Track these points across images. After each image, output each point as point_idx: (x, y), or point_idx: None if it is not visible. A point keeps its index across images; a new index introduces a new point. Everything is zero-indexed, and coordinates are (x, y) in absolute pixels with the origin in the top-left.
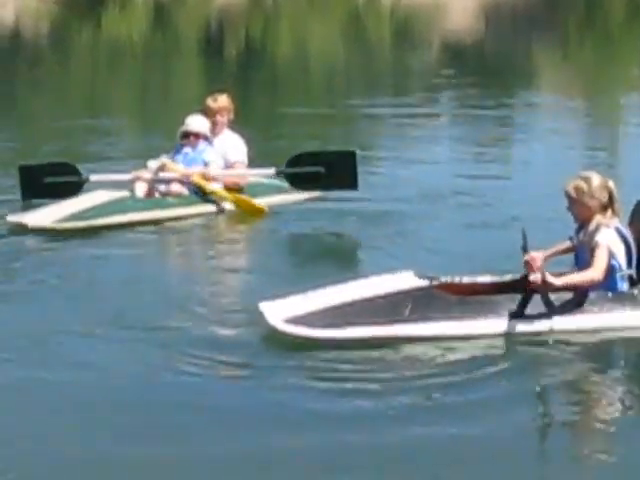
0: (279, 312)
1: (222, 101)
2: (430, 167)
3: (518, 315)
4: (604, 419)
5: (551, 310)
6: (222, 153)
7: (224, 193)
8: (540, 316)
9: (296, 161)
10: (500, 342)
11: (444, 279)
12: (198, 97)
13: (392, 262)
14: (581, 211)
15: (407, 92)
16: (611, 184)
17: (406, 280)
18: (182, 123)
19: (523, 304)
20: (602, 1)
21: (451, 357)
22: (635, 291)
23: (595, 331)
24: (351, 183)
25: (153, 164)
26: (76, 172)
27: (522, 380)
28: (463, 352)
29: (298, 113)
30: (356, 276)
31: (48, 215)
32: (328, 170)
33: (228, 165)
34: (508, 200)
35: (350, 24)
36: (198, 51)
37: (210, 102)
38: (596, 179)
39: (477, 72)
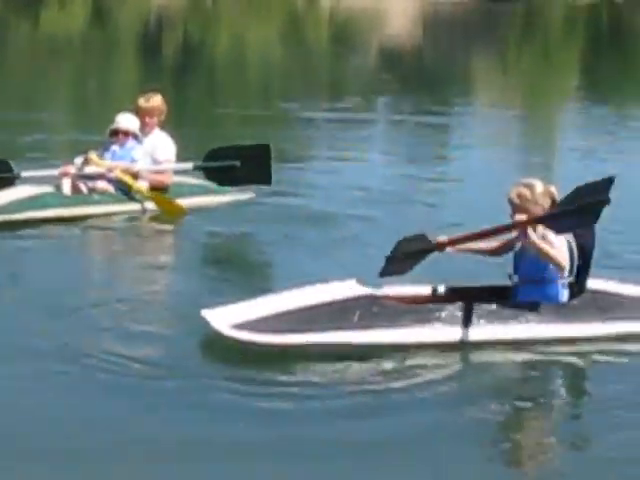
0: (223, 318)
1: (154, 101)
2: (365, 170)
3: (459, 323)
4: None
5: (491, 319)
6: (150, 152)
7: (145, 191)
8: (479, 325)
9: (213, 155)
10: (442, 350)
11: (388, 290)
12: (133, 95)
13: (329, 267)
14: (519, 217)
15: (344, 95)
16: (553, 190)
17: (352, 288)
18: (112, 121)
19: (464, 312)
20: (540, 13)
21: (394, 364)
22: (575, 302)
23: (534, 341)
24: (265, 178)
25: (80, 160)
26: (8, 168)
27: (460, 386)
28: (410, 359)
29: (234, 114)
30: (290, 282)
31: None
32: (243, 164)
33: (155, 164)
34: (443, 204)
35: (289, 27)
36: (136, 49)
37: (142, 102)
38: (539, 186)
39: (414, 77)
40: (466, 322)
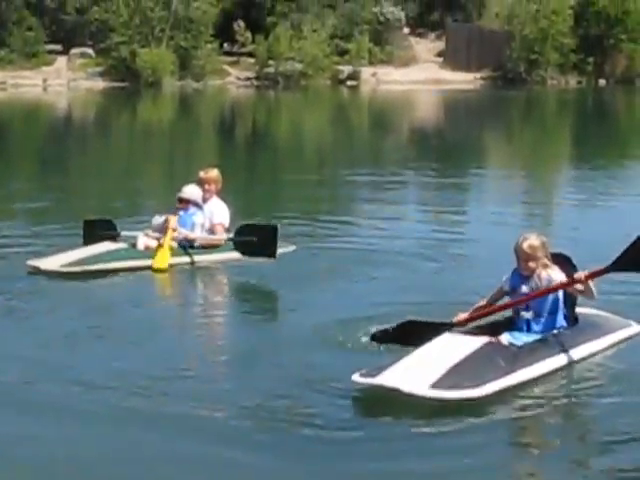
0: (418, 382)
1: (212, 174)
2: (398, 225)
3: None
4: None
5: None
6: (209, 216)
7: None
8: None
9: (240, 231)
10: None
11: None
12: (211, 166)
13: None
14: (533, 264)
15: (381, 164)
16: (545, 240)
17: (463, 339)
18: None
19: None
20: (538, 98)
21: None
22: (577, 326)
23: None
24: (271, 253)
25: (159, 220)
26: (113, 227)
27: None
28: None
29: (293, 179)
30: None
31: (58, 260)
32: (258, 239)
33: (211, 226)
34: (465, 251)
35: (336, 112)
36: (214, 131)
37: (202, 174)
38: (541, 237)
39: (437, 149)
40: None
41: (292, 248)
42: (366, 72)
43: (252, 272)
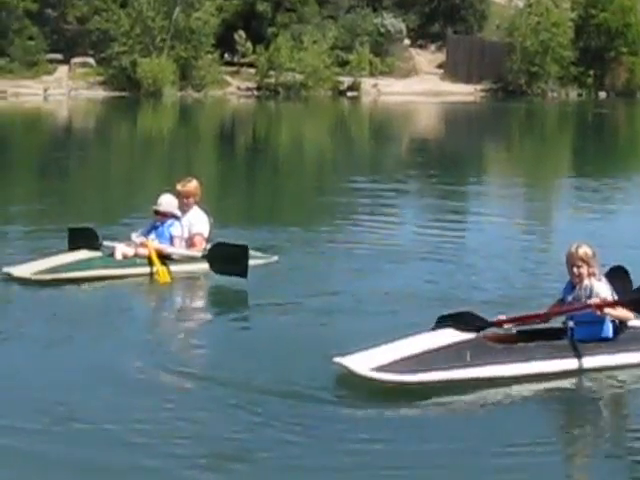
0: (361, 362)
1: (190, 186)
2: (398, 230)
3: (538, 358)
4: None
5: (574, 352)
6: (188, 226)
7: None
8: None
9: (214, 248)
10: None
11: (489, 331)
12: (211, 176)
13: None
14: (584, 271)
15: (381, 172)
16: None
17: (454, 334)
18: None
19: (542, 349)
20: (539, 110)
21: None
22: (620, 337)
23: (615, 367)
24: (242, 272)
25: (138, 238)
26: (95, 236)
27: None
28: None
29: (294, 187)
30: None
31: (31, 267)
32: (228, 258)
33: (190, 236)
34: (466, 256)
35: (337, 122)
36: (214, 140)
37: (179, 187)
38: (594, 248)
39: (437, 159)
40: (545, 357)
41: (274, 259)
42: (367, 83)
43: (233, 280)
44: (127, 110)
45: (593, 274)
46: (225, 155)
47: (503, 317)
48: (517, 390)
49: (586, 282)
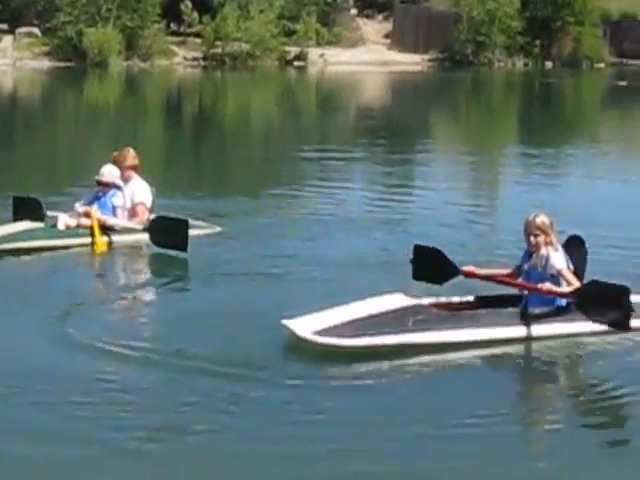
0: (304, 326)
1: (127, 156)
2: (345, 197)
3: (488, 325)
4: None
5: (526, 320)
6: (130, 195)
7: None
8: (504, 326)
9: (155, 220)
10: (490, 347)
11: (429, 300)
12: (157, 146)
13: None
14: (541, 240)
15: (328, 142)
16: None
17: (400, 299)
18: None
19: (490, 317)
20: (485, 80)
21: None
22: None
23: (568, 336)
24: (182, 246)
25: (81, 208)
26: (39, 206)
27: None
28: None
29: (240, 157)
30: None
31: None
32: (169, 231)
33: (133, 205)
34: (415, 223)
35: (283, 92)
36: (161, 111)
37: (117, 156)
38: (551, 217)
39: (384, 128)
40: (493, 324)
41: (217, 229)
42: (314, 53)
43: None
44: (73, 80)
45: (551, 243)
46: (171, 125)
47: (472, 269)
48: (469, 357)
49: (543, 251)
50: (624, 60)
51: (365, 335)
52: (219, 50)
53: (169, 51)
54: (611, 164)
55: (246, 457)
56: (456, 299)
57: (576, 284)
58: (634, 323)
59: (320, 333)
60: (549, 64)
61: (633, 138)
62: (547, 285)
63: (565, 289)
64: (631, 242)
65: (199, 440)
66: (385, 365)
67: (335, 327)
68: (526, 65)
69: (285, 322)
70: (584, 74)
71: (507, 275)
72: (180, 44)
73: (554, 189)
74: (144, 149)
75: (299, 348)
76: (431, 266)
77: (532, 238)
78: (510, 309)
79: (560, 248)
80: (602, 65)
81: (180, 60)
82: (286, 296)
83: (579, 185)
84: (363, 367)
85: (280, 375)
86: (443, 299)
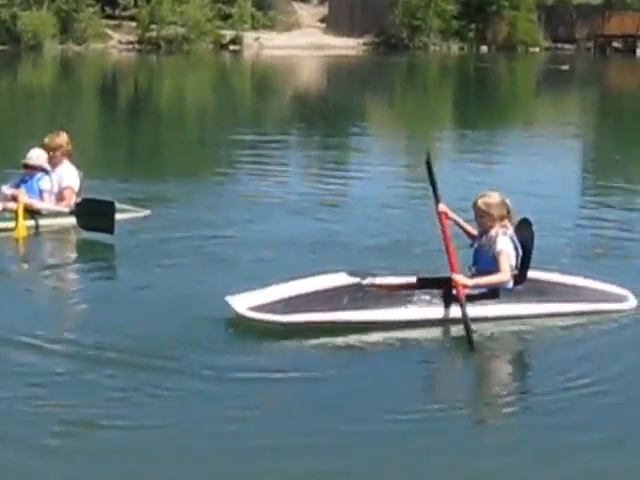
0: (243, 302)
1: (57, 140)
2: (281, 182)
3: (428, 306)
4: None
5: (461, 302)
6: (58, 180)
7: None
8: (443, 307)
9: (81, 203)
10: (424, 328)
11: (371, 280)
12: (92, 130)
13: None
14: (486, 221)
15: (263, 125)
16: (508, 200)
17: (342, 278)
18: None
19: (431, 298)
20: (420, 63)
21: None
22: (518, 288)
23: (488, 319)
24: (109, 228)
25: (8, 190)
26: None
27: (435, 358)
28: (389, 334)
29: (175, 140)
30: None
31: None
32: (95, 214)
33: (60, 189)
34: (352, 206)
35: (218, 76)
36: (95, 95)
37: (47, 140)
38: (498, 196)
39: (319, 112)
40: (433, 305)
41: (147, 212)
42: (249, 37)
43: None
44: (6, 64)
45: (503, 225)
46: (105, 109)
47: (446, 209)
48: (407, 337)
49: (492, 232)
50: (558, 44)
51: (298, 312)
52: (154, 34)
53: (104, 35)
54: (543, 146)
55: (173, 455)
56: (398, 280)
57: (506, 273)
58: (579, 306)
59: (254, 309)
60: (484, 48)
61: (565, 121)
62: (460, 280)
63: (492, 277)
64: (561, 222)
65: (124, 436)
66: (324, 351)
67: (271, 303)
68: (461, 49)
69: (227, 298)
70: (519, 58)
71: (471, 235)
72: (115, 27)
73: (489, 171)
74: (78, 132)
75: (230, 335)
76: None
77: (478, 219)
78: (449, 289)
79: (510, 231)
80: (537, 49)
81: (115, 44)
82: (222, 278)
83: (513, 167)
84: (303, 355)
85: (209, 366)
86: (385, 280)
